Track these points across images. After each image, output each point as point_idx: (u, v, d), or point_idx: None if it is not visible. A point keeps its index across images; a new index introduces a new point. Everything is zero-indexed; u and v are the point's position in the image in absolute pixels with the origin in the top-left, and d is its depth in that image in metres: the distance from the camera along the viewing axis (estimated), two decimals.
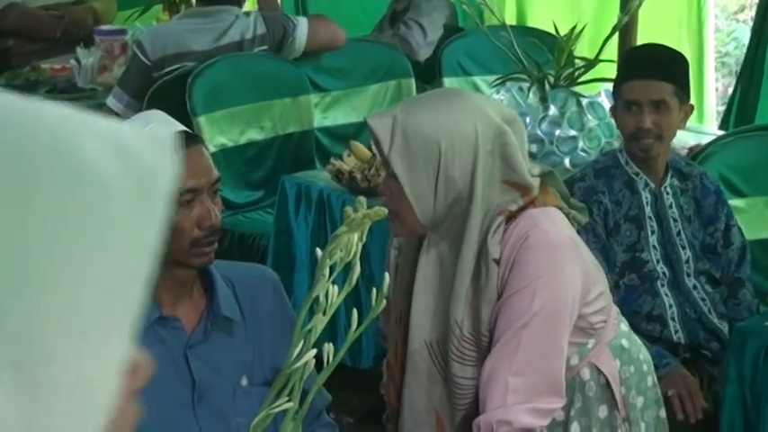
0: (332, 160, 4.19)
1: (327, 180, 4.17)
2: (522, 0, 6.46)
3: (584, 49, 4.72)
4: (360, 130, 4.87)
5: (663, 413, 2.85)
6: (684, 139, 4.19)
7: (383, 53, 5.37)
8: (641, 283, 3.42)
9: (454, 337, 2.53)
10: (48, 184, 0.66)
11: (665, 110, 3.38)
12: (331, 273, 1.76)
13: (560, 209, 2.61)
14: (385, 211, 1.78)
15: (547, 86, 4.26)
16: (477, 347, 2.54)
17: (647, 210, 3.45)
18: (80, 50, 5.62)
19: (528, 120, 4.12)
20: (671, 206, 3.46)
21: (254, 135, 4.83)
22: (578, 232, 2.68)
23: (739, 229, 3.55)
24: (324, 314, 1.76)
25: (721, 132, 4.69)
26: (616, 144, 4.15)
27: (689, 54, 3.77)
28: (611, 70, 4.16)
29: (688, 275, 3.45)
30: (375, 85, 5.21)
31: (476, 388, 2.53)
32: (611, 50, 4.63)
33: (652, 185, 3.46)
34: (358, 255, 1.77)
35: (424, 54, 5.73)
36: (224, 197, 4.44)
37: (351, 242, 1.75)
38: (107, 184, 0.68)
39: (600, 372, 2.67)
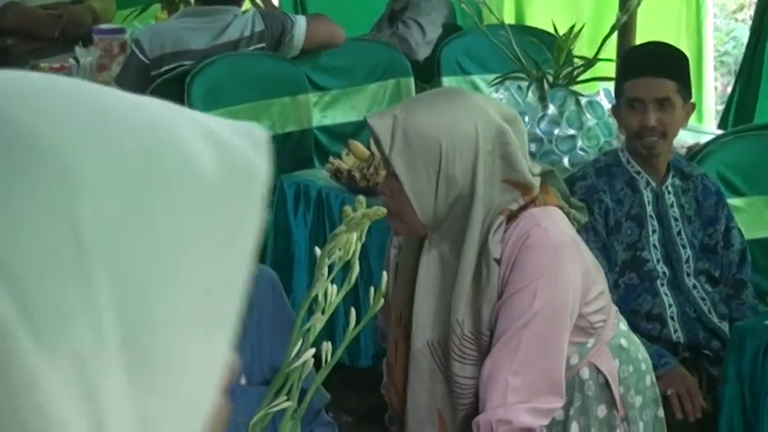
0: (331, 159, 4.19)
1: (326, 179, 4.17)
2: None
3: (582, 48, 4.72)
4: (359, 129, 4.87)
5: (661, 412, 2.85)
6: (683, 139, 4.19)
7: (382, 52, 5.37)
8: (641, 282, 3.41)
9: (455, 336, 2.53)
10: (161, 185, 0.67)
11: (670, 107, 3.38)
12: (330, 272, 1.76)
13: (561, 208, 2.61)
14: (384, 210, 1.78)
15: (546, 85, 4.26)
16: (477, 347, 2.54)
17: (649, 209, 3.45)
18: (79, 49, 5.62)
19: (527, 119, 4.11)
20: (672, 205, 3.46)
21: None
22: (579, 231, 2.68)
23: (739, 231, 3.55)
24: (322, 313, 1.76)
25: (720, 131, 4.69)
26: (615, 143, 4.15)
27: (688, 53, 3.76)
28: (609, 69, 4.16)
29: (688, 275, 3.44)
30: (374, 85, 5.21)
31: (476, 387, 2.53)
32: (610, 50, 4.63)
33: (653, 184, 3.46)
34: (357, 254, 1.77)
35: (422, 53, 5.72)
36: None
37: (350, 241, 1.75)
38: (211, 182, 0.69)
39: (599, 371, 2.67)
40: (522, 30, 5.40)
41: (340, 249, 1.75)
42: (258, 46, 4.93)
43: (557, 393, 2.51)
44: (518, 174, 2.53)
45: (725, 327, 3.42)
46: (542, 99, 4.25)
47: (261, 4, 5.48)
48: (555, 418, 2.61)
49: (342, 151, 4.24)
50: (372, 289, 1.85)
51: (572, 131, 4.20)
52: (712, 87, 6.23)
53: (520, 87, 4.33)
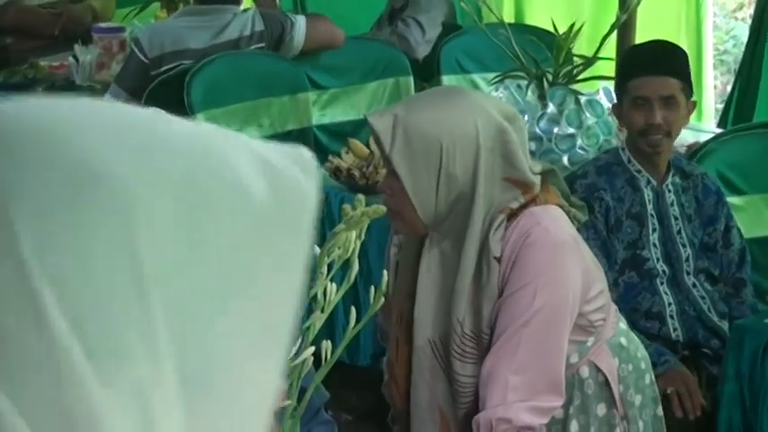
0: (330, 158, 4.19)
1: (325, 177, 4.17)
2: None
3: (582, 46, 4.72)
4: (358, 128, 4.87)
5: (660, 411, 2.85)
6: (683, 137, 4.19)
7: (381, 51, 5.37)
8: (640, 280, 3.42)
9: (456, 334, 2.53)
10: (215, 214, 0.68)
11: (674, 105, 3.38)
12: (329, 270, 1.76)
13: (561, 207, 2.61)
14: (383, 208, 1.78)
15: (545, 84, 4.26)
16: (478, 345, 2.54)
17: (649, 207, 3.45)
18: (78, 48, 5.62)
19: (526, 117, 4.11)
20: (672, 204, 3.46)
21: (253, 133, 4.82)
22: (579, 229, 2.68)
23: (739, 230, 3.55)
24: (322, 312, 1.76)
25: (720, 130, 4.69)
26: (614, 142, 4.15)
27: (688, 52, 3.76)
28: (609, 68, 4.16)
29: (688, 273, 3.45)
30: (373, 83, 5.20)
31: (477, 385, 2.53)
32: (610, 48, 4.63)
33: (654, 183, 3.46)
34: (356, 252, 1.77)
35: (422, 52, 5.72)
36: None
37: (349, 240, 1.75)
38: (263, 208, 0.70)
39: (599, 370, 2.67)
40: (521, 28, 5.40)
41: (339, 248, 1.75)
42: (258, 46, 4.92)
43: (556, 392, 2.51)
44: (518, 172, 2.53)
45: (724, 325, 3.42)
46: (542, 98, 4.25)
47: None
48: (554, 417, 2.62)
49: (341, 150, 4.24)
50: (372, 288, 1.85)
51: (571, 130, 4.20)
52: (712, 86, 6.23)
53: (519, 86, 4.33)
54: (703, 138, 4.30)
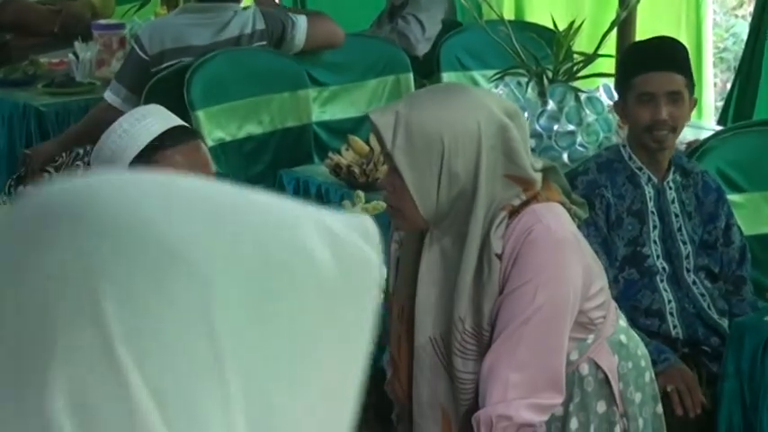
0: (330, 155, 4.19)
1: (326, 174, 4.17)
2: None
3: (582, 43, 4.72)
4: (358, 125, 4.87)
5: (660, 408, 2.85)
6: (683, 135, 4.19)
7: (381, 48, 5.36)
8: (641, 277, 3.41)
9: (457, 331, 2.53)
10: (285, 286, 0.71)
11: (680, 101, 3.39)
12: None
13: (562, 204, 2.61)
14: (383, 204, 1.78)
15: (545, 81, 4.26)
16: (478, 342, 2.54)
17: (650, 205, 3.44)
18: (78, 45, 5.62)
19: (526, 115, 4.11)
20: (673, 201, 3.46)
21: (253, 129, 4.82)
22: (579, 226, 2.68)
23: (739, 228, 3.55)
24: None
25: (719, 128, 4.69)
26: (614, 139, 4.15)
27: (687, 49, 3.76)
28: (609, 65, 4.16)
29: (688, 271, 3.44)
30: (373, 80, 5.20)
31: (477, 382, 2.53)
32: (610, 45, 4.63)
33: (655, 180, 3.46)
34: None
35: (422, 49, 5.72)
36: None
37: None
38: (329, 280, 0.72)
39: (599, 367, 2.67)
40: (521, 25, 5.41)
41: None
42: (259, 44, 4.92)
43: (557, 389, 2.51)
44: (520, 169, 2.53)
45: (724, 323, 3.42)
46: (542, 95, 4.25)
47: None
48: (554, 414, 2.62)
49: (341, 147, 4.24)
50: None
51: (571, 127, 4.20)
52: (712, 83, 6.23)
53: (519, 83, 4.33)
54: (703, 135, 4.30)
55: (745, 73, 5.21)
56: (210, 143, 4.55)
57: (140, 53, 4.77)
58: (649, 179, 3.46)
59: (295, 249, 0.71)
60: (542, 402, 2.49)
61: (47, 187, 0.72)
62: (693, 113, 3.75)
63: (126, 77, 4.78)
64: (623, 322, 2.77)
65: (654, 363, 2.92)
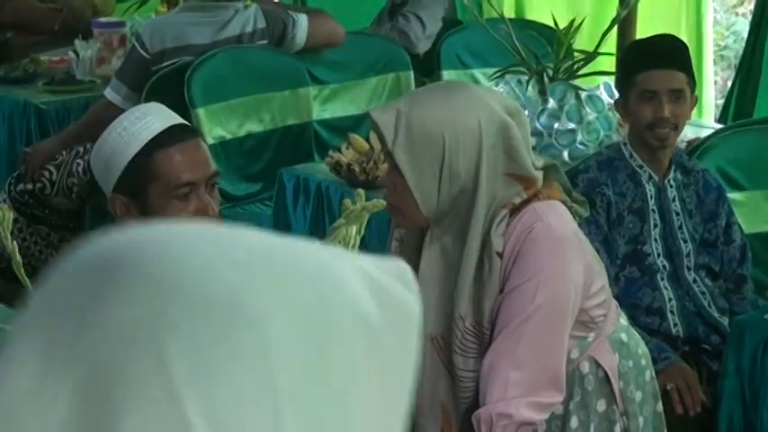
0: (330, 153, 4.19)
1: (326, 172, 4.17)
2: None
3: (582, 42, 4.72)
4: (358, 123, 4.87)
5: (659, 407, 2.85)
6: (683, 133, 4.19)
7: (382, 46, 5.36)
8: (641, 275, 3.41)
9: (457, 329, 2.53)
10: (336, 334, 0.73)
11: (682, 99, 3.39)
12: None
13: (563, 202, 2.60)
14: (383, 203, 1.78)
15: (546, 79, 4.26)
16: (479, 340, 2.54)
17: (651, 203, 3.44)
18: (78, 43, 5.62)
19: (527, 113, 4.11)
20: (674, 199, 3.46)
21: (253, 127, 4.82)
22: (580, 224, 2.68)
23: (740, 227, 3.55)
24: None
25: (720, 126, 4.69)
26: (614, 137, 4.15)
27: (688, 47, 3.76)
28: (610, 63, 4.16)
29: (688, 269, 3.44)
30: (374, 78, 5.20)
31: (478, 380, 2.53)
32: (610, 44, 4.63)
33: (656, 178, 3.46)
34: (356, 247, 1.77)
35: (422, 47, 5.72)
36: (222, 190, 4.43)
37: (349, 234, 1.75)
38: (376, 327, 0.75)
39: (599, 365, 2.67)
40: (522, 24, 5.41)
41: (339, 242, 1.75)
42: (260, 43, 4.92)
43: (557, 388, 2.51)
44: (521, 167, 2.53)
45: (725, 321, 3.42)
46: (542, 93, 4.25)
47: None
48: (554, 413, 2.61)
49: (341, 145, 4.24)
50: None
51: (572, 125, 4.20)
52: (712, 81, 6.23)
53: (520, 81, 4.33)
54: (704, 133, 4.30)
55: (746, 71, 5.21)
56: (211, 141, 4.56)
57: (141, 51, 4.77)
58: (650, 177, 3.45)
59: (343, 298, 0.73)
60: (542, 401, 2.48)
61: (108, 238, 0.73)
62: (694, 112, 3.75)
63: (127, 76, 4.78)
64: (624, 321, 2.77)
65: (654, 361, 2.92)
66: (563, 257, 2.50)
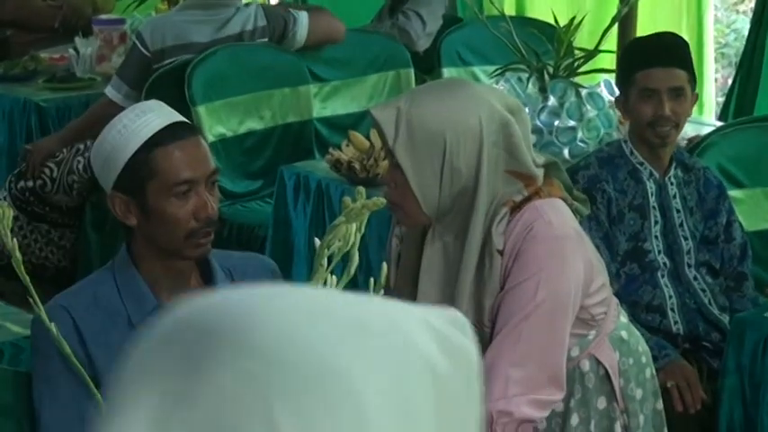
0: (331, 150, 4.19)
1: (326, 170, 4.16)
2: None
3: (583, 39, 4.71)
4: (359, 121, 4.87)
5: (660, 405, 2.85)
6: (684, 130, 4.19)
7: (382, 43, 5.36)
8: (642, 272, 3.41)
9: None
10: (416, 390, 0.77)
11: (683, 97, 3.38)
12: (329, 263, 1.75)
13: (564, 200, 2.60)
14: (383, 201, 1.78)
15: (546, 77, 4.25)
16: (479, 338, 2.52)
17: (652, 200, 3.44)
18: (78, 40, 5.61)
19: (527, 110, 4.10)
20: (675, 197, 3.46)
21: (254, 125, 4.82)
22: (581, 221, 2.68)
23: (740, 225, 3.55)
24: None
25: (720, 123, 4.69)
26: (615, 135, 4.14)
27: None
28: (610, 61, 4.16)
29: (689, 266, 3.44)
30: (374, 76, 5.20)
31: None
32: (611, 41, 4.63)
33: (656, 175, 3.45)
34: (356, 245, 1.76)
35: (423, 44, 5.72)
36: (223, 187, 4.45)
37: (349, 232, 1.75)
38: (444, 376, 0.79)
39: (599, 363, 2.67)
40: (522, 21, 5.40)
41: (339, 240, 1.75)
42: (260, 41, 4.92)
43: (557, 386, 2.50)
44: (522, 165, 2.52)
45: (725, 318, 3.42)
46: (543, 90, 4.24)
47: None
48: (555, 410, 2.61)
49: (342, 142, 4.24)
50: (372, 280, 1.85)
51: (572, 123, 4.19)
52: (713, 79, 6.23)
53: (520, 79, 4.32)
54: (704, 131, 4.30)
55: (746, 69, 5.21)
56: (211, 138, 4.56)
57: (142, 49, 4.77)
58: (651, 174, 3.45)
59: (415, 350, 0.78)
60: (543, 398, 2.48)
61: (199, 303, 0.79)
62: (694, 109, 3.75)
63: (127, 74, 4.78)
64: (624, 318, 2.76)
65: (654, 359, 2.92)
66: (563, 255, 2.49)
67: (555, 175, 2.64)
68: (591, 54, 4.31)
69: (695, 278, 3.44)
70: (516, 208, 2.51)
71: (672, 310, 3.40)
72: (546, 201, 2.54)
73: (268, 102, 4.85)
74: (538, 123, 4.17)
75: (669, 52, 3.46)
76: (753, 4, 5.73)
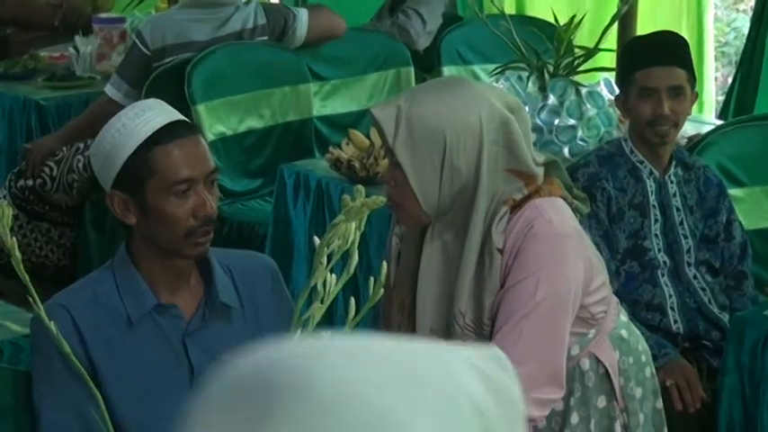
0: (330, 149, 4.19)
1: (326, 169, 4.16)
2: None
3: (583, 38, 4.71)
4: (359, 119, 4.87)
5: (659, 404, 2.85)
6: (684, 129, 4.19)
7: (382, 42, 5.36)
8: (642, 271, 3.41)
9: (457, 325, 2.53)
10: (463, 426, 0.80)
11: (682, 96, 3.38)
12: (329, 261, 1.75)
13: (564, 199, 2.60)
14: (383, 199, 1.78)
15: (546, 75, 4.25)
16: (479, 336, 2.53)
17: (652, 198, 3.44)
18: (78, 39, 5.61)
19: (527, 109, 4.10)
20: (675, 195, 3.46)
21: (253, 123, 4.82)
22: (581, 219, 2.68)
23: (740, 224, 3.55)
24: (321, 302, 1.76)
25: (720, 122, 4.69)
26: (615, 133, 4.14)
27: (689, 43, 3.75)
28: (610, 59, 4.15)
29: (689, 265, 3.44)
30: (374, 74, 5.20)
31: None
32: (611, 40, 4.63)
33: (656, 174, 3.45)
34: (356, 243, 1.76)
35: (423, 43, 5.71)
36: (223, 186, 4.45)
37: (349, 231, 1.75)
38: (491, 416, 0.81)
39: (599, 362, 2.67)
40: (522, 20, 5.40)
41: (339, 239, 1.75)
42: (260, 39, 4.92)
43: (557, 384, 2.50)
44: (522, 163, 2.52)
45: (725, 317, 3.42)
46: (542, 89, 4.24)
47: None
48: (555, 409, 2.61)
49: (342, 141, 4.24)
50: (372, 279, 1.85)
51: (572, 121, 4.19)
52: (713, 78, 6.23)
53: (520, 77, 4.32)
54: (704, 129, 4.30)
55: (746, 67, 5.21)
56: (211, 137, 4.56)
57: (142, 48, 4.77)
58: (651, 173, 3.45)
59: (463, 393, 0.81)
60: (543, 397, 2.48)
61: (254, 360, 0.82)
62: (694, 108, 3.75)
63: (127, 72, 4.78)
64: (624, 317, 2.76)
65: (654, 357, 2.92)
66: (563, 254, 2.49)
67: (555, 174, 2.64)
68: (591, 53, 4.31)
69: (695, 277, 3.44)
70: (516, 206, 2.51)
71: (672, 308, 3.40)
72: (546, 199, 2.54)
73: (268, 100, 4.85)
74: (538, 122, 4.17)
75: (668, 51, 3.46)
76: (753, 3, 5.73)
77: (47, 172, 4.77)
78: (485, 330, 2.52)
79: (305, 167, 4.31)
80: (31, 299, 1.99)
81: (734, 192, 3.74)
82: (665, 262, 3.43)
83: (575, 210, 2.63)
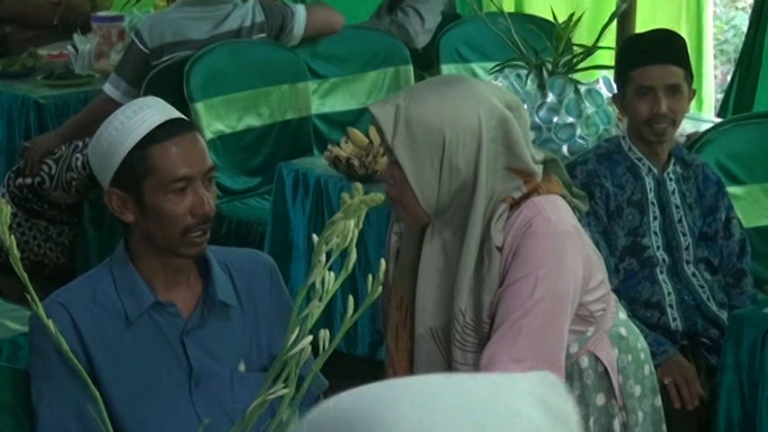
0: (329, 147, 4.19)
1: (325, 167, 4.16)
2: None
3: (582, 36, 4.71)
4: (358, 117, 4.87)
5: (658, 401, 2.85)
6: (683, 127, 4.19)
7: (381, 40, 5.36)
8: (641, 268, 3.41)
9: (457, 323, 2.53)
10: None
11: (679, 94, 3.38)
12: (327, 259, 1.75)
13: (563, 197, 2.60)
14: (381, 197, 1.78)
15: (545, 73, 4.25)
16: (478, 334, 2.53)
17: (650, 195, 3.44)
18: (77, 37, 5.61)
19: (526, 107, 4.10)
20: (674, 192, 3.46)
21: (252, 122, 4.82)
22: (579, 217, 2.67)
23: (739, 221, 3.55)
24: (320, 300, 1.76)
25: (719, 120, 4.69)
26: (614, 131, 4.14)
27: (688, 41, 3.75)
28: (609, 57, 4.16)
29: (687, 263, 3.44)
30: (373, 72, 5.20)
31: None
32: (610, 38, 4.62)
33: (655, 171, 3.45)
34: (354, 241, 1.76)
35: (422, 41, 5.71)
36: (221, 184, 4.45)
37: (347, 228, 1.75)
38: None
39: (598, 360, 2.67)
40: (521, 18, 5.40)
41: (338, 236, 1.75)
42: (258, 36, 4.92)
43: None
44: (521, 161, 2.52)
45: (723, 315, 3.42)
46: (541, 87, 4.24)
47: None
48: None
49: (341, 139, 4.24)
50: (370, 277, 1.84)
51: (571, 119, 4.19)
52: (712, 76, 6.22)
53: (519, 75, 4.32)
54: (703, 127, 4.30)
55: (746, 65, 5.21)
56: (210, 135, 4.56)
57: (140, 46, 4.77)
58: (650, 170, 3.45)
59: (528, 425, 0.85)
60: None
61: (332, 406, 0.88)
62: (693, 105, 3.75)
63: (126, 71, 4.78)
64: (623, 315, 2.76)
65: (653, 355, 2.92)
66: (562, 252, 2.49)
67: (554, 172, 2.64)
68: (589, 51, 4.31)
69: (694, 274, 3.44)
70: (515, 204, 2.51)
71: (670, 306, 3.40)
72: (545, 197, 2.54)
73: (266, 98, 4.85)
74: (537, 120, 4.17)
75: (665, 50, 3.45)
76: (751, 1, 5.73)
77: (45, 170, 4.77)
78: (484, 328, 2.52)
79: (304, 165, 4.31)
80: (29, 297, 1.99)
81: (733, 189, 3.74)
82: (663, 259, 3.43)
83: (574, 208, 2.63)
